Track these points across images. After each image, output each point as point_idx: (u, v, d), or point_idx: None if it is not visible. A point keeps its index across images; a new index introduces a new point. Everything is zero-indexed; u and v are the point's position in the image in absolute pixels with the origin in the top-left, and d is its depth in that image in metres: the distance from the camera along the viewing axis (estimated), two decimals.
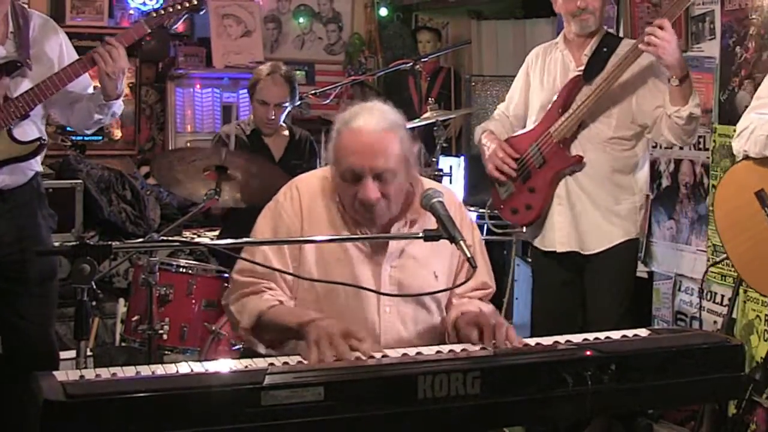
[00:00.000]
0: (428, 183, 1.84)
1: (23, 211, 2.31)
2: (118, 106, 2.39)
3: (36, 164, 2.34)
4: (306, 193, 1.79)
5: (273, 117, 3.06)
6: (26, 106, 2.21)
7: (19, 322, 2.32)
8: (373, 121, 1.68)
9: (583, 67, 2.53)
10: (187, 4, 2.33)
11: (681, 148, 3.12)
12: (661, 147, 3.11)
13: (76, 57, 2.34)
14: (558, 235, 2.58)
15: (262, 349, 1.75)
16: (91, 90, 2.39)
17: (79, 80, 2.31)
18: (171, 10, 2.33)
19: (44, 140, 2.31)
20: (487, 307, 1.83)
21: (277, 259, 1.74)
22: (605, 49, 2.51)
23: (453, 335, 1.75)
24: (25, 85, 2.24)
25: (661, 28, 2.26)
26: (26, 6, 4.24)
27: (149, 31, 2.34)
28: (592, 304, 2.61)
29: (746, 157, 2.13)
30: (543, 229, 2.62)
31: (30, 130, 2.28)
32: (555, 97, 2.56)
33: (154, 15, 2.34)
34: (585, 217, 2.55)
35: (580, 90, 2.51)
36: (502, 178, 2.63)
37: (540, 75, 2.66)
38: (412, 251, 1.77)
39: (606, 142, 2.52)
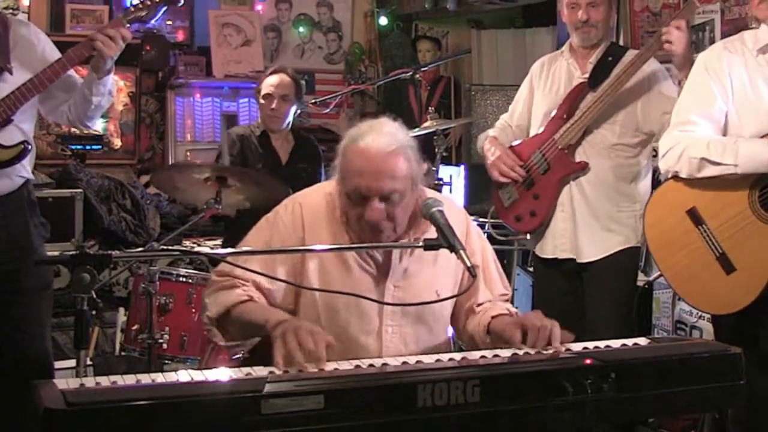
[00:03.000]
0: (431, 195, 1.83)
1: (14, 220, 2.28)
2: (111, 83, 2.37)
3: (25, 171, 2.30)
4: (309, 211, 1.77)
5: (275, 107, 3.07)
6: (8, 110, 2.18)
7: (12, 332, 2.28)
8: (381, 141, 1.65)
9: (588, 74, 2.55)
10: None
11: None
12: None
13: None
14: (560, 242, 2.59)
15: (220, 341, 1.74)
16: (79, 81, 2.36)
17: (66, 82, 2.28)
18: (148, 3, 2.30)
19: (28, 143, 2.27)
20: (513, 309, 1.83)
21: (269, 273, 1.71)
22: (610, 58, 2.52)
23: (485, 339, 1.74)
24: (6, 90, 2.20)
25: (678, 28, 2.29)
26: (27, 14, 4.32)
27: (128, 25, 2.31)
28: (591, 312, 2.61)
29: (674, 177, 2.09)
30: (545, 236, 2.62)
31: (14, 134, 2.24)
32: (559, 104, 2.57)
33: (132, 10, 2.32)
34: (586, 225, 2.55)
35: (584, 97, 2.52)
36: (506, 181, 2.63)
37: (544, 84, 2.67)
38: (416, 271, 1.76)
39: (610, 148, 2.53)
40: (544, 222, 2.60)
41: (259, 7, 5.05)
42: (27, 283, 2.29)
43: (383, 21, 5.25)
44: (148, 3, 2.31)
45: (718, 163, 1.99)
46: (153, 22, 2.41)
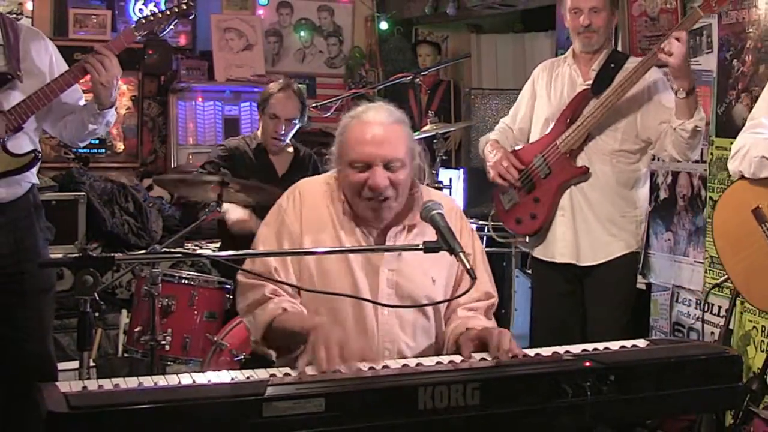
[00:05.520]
0: (429, 192, 1.87)
1: (21, 224, 2.30)
2: (112, 115, 2.37)
3: (32, 176, 2.32)
4: (308, 196, 1.83)
5: (283, 132, 3.08)
6: (19, 118, 2.20)
7: (16, 335, 2.30)
8: (382, 114, 1.77)
9: (591, 81, 2.56)
10: (176, 10, 2.34)
11: (678, 161, 3.14)
12: (659, 159, 3.14)
13: (66, 67, 2.32)
14: (559, 245, 2.60)
15: (273, 357, 1.79)
16: (83, 102, 2.38)
17: (71, 92, 2.29)
18: (160, 16, 2.33)
19: (38, 152, 2.29)
20: (490, 324, 1.83)
21: (279, 261, 1.78)
22: (613, 65, 2.54)
23: (452, 349, 1.77)
24: (17, 97, 2.22)
25: (678, 39, 2.30)
26: (30, 19, 4.33)
27: (139, 37, 2.34)
28: (591, 316, 2.62)
29: (742, 177, 2.15)
30: (545, 239, 2.64)
31: (24, 142, 2.26)
32: (563, 110, 2.58)
33: (144, 21, 2.33)
34: (587, 229, 2.57)
35: (587, 103, 2.54)
36: (504, 183, 2.65)
37: (546, 88, 2.68)
38: (410, 255, 1.79)
39: (612, 154, 2.55)
40: (544, 225, 2.62)
41: (260, 12, 5.06)
42: (30, 285, 2.30)
43: (384, 26, 5.26)
44: (160, 15, 2.33)
45: None
46: (163, 34, 2.42)
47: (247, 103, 4.80)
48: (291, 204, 1.83)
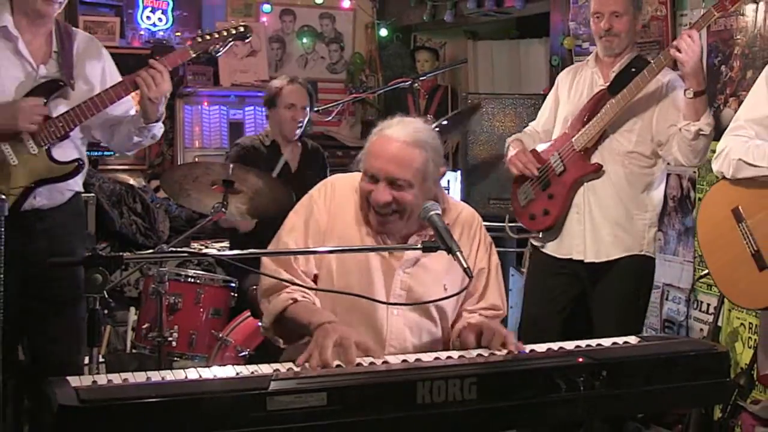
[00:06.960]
0: (455, 204, 1.94)
1: (59, 231, 2.26)
2: (159, 129, 2.34)
3: (75, 184, 2.30)
4: (340, 192, 1.88)
5: (302, 119, 3.15)
6: (66, 126, 2.17)
7: (45, 341, 2.28)
8: (403, 132, 1.77)
9: (609, 82, 2.56)
10: (234, 32, 2.32)
11: (668, 163, 3.17)
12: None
13: (118, 76, 2.31)
14: (576, 242, 2.59)
15: (281, 344, 1.85)
16: (132, 112, 2.35)
17: (121, 103, 2.27)
18: (218, 36, 2.31)
19: (82, 161, 2.26)
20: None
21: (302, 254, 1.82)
22: (633, 69, 2.51)
23: (457, 345, 1.82)
24: (66, 105, 2.20)
25: (690, 37, 2.32)
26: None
27: (194, 55, 2.32)
28: (596, 315, 2.60)
29: (724, 177, 2.20)
30: (560, 236, 2.63)
31: (69, 151, 2.24)
32: (581, 109, 2.59)
33: (200, 40, 2.31)
34: (595, 227, 2.57)
35: (605, 103, 2.53)
36: (518, 173, 2.66)
37: (568, 91, 2.69)
38: (427, 262, 1.84)
39: (625, 155, 2.54)
40: (557, 221, 2.61)
41: (264, 19, 5.11)
42: (62, 292, 2.26)
43: (383, 32, 5.30)
44: (217, 36, 2.30)
45: (754, 166, 2.09)
46: (218, 54, 2.41)
47: (251, 108, 4.85)
48: (322, 196, 1.87)
